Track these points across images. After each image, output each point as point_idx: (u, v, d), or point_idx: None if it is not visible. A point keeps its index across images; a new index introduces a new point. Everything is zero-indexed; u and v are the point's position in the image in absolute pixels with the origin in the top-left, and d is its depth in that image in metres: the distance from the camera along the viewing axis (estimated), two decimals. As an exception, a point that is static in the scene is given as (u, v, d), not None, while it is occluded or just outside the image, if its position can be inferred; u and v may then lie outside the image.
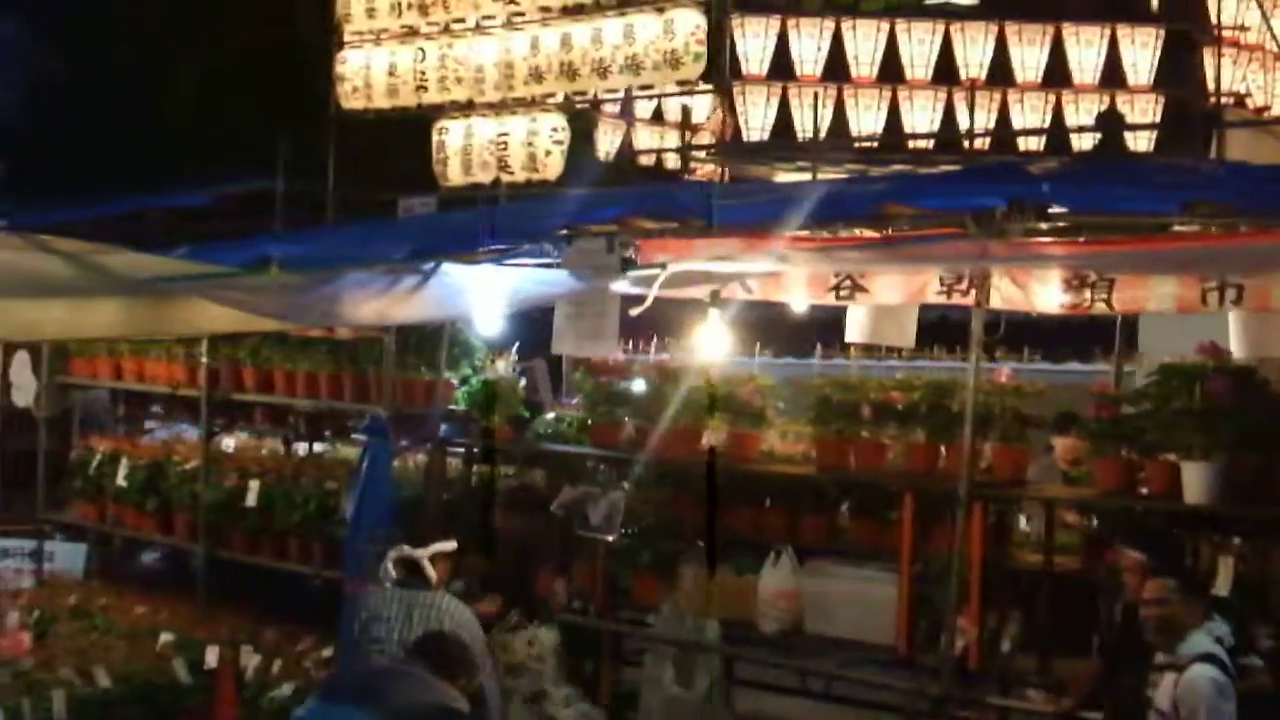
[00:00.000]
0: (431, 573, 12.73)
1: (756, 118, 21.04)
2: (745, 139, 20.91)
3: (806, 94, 21.04)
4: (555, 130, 21.40)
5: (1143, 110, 20.64)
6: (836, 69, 21.02)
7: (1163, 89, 20.61)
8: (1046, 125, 20.82)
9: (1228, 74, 19.09)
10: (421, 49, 22.08)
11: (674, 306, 14.82)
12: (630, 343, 16.52)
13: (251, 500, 16.39)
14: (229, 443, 18.55)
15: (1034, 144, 20.84)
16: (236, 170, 22.88)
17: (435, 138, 22.28)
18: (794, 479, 14.69)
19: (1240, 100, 20.06)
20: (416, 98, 22.27)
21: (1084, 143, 20.82)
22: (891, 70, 21.04)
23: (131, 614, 16.65)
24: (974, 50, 20.70)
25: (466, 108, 22.10)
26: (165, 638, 15.69)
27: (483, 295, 14.24)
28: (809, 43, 21.05)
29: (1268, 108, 20.51)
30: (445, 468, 15.76)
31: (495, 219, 14.88)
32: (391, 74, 22.29)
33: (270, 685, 14.63)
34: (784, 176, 20.62)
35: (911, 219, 12.21)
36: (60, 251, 14.07)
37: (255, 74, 31.14)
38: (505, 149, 21.56)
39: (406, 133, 23.82)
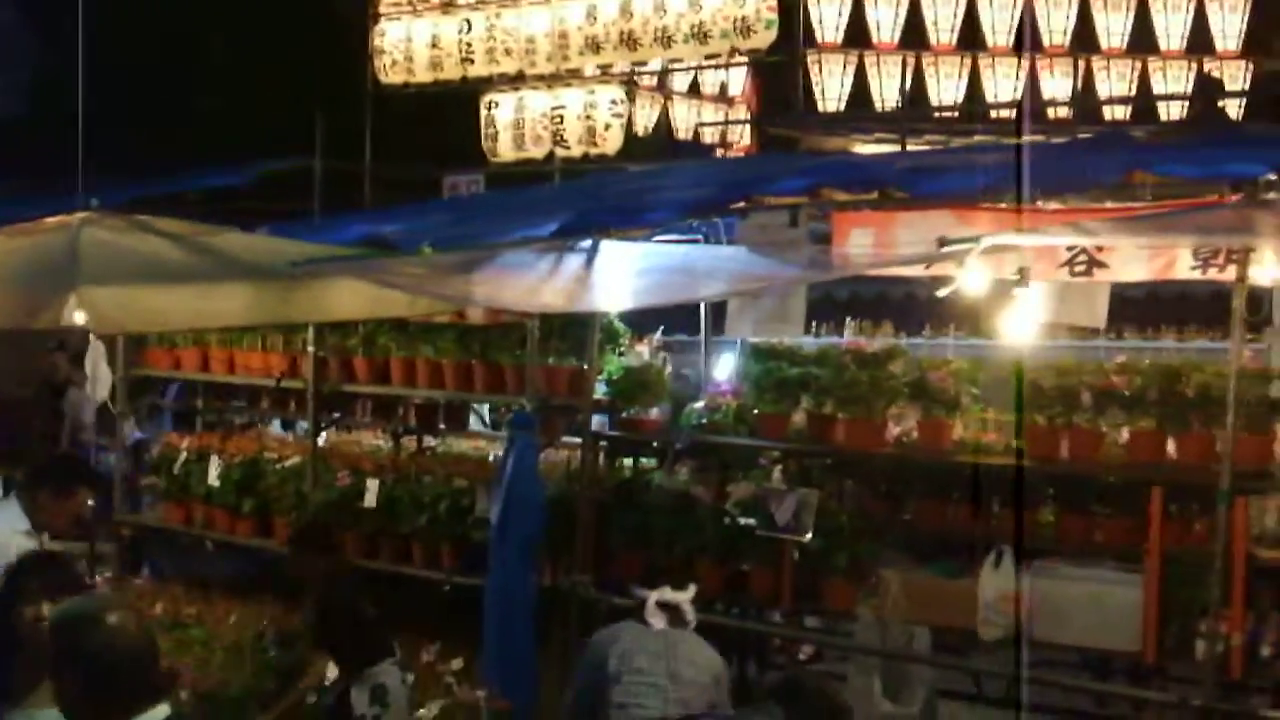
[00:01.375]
0: (691, 614, 10.77)
1: (833, 87, 18.63)
2: (821, 109, 18.46)
3: (884, 62, 18.52)
4: (615, 103, 19.30)
5: (1231, 77, 18.44)
6: (914, 36, 18.51)
7: (1252, 55, 18.37)
8: (1132, 93, 18.48)
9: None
10: (467, 20, 19.84)
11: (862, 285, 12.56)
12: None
13: (370, 500, 14.00)
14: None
15: (1120, 113, 18.49)
16: (271, 149, 20.39)
17: (484, 112, 20.01)
18: (996, 471, 12.29)
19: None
20: (462, 70, 20.02)
21: (1172, 110, 18.53)
22: (971, 37, 18.66)
23: (224, 622, 14.04)
24: (1057, 16, 18.29)
25: (516, 80, 19.68)
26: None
27: (679, 278, 11.89)
28: (885, 9, 18.56)
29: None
30: (598, 466, 13.23)
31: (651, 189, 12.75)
32: (435, 46, 20.02)
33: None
34: (862, 148, 18.31)
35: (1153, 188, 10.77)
36: (168, 233, 12.32)
37: (289, 49, 28.41)
38: (561, 122, 19.24)
39: (449, 107, 21.47)
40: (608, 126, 19.59)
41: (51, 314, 11.35)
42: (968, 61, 19.17)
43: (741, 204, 12.57)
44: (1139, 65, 19.13)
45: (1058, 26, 18.67)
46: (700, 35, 18.59)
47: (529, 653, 12.91)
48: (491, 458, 14.48)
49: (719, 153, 22.01)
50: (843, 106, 19.23)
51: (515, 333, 13.93)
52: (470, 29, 20.24)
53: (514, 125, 20.10)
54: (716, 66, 19.21)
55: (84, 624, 6.68)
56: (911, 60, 19.19)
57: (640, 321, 14.09)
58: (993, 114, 18.77)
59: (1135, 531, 11.68)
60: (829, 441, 12.98)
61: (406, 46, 20.70)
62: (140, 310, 12.04)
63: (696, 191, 12.79)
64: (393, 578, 14.28)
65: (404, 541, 14.33)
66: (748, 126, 22.01)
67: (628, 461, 14.27)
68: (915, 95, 18.75)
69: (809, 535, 12.46)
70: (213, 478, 15.34)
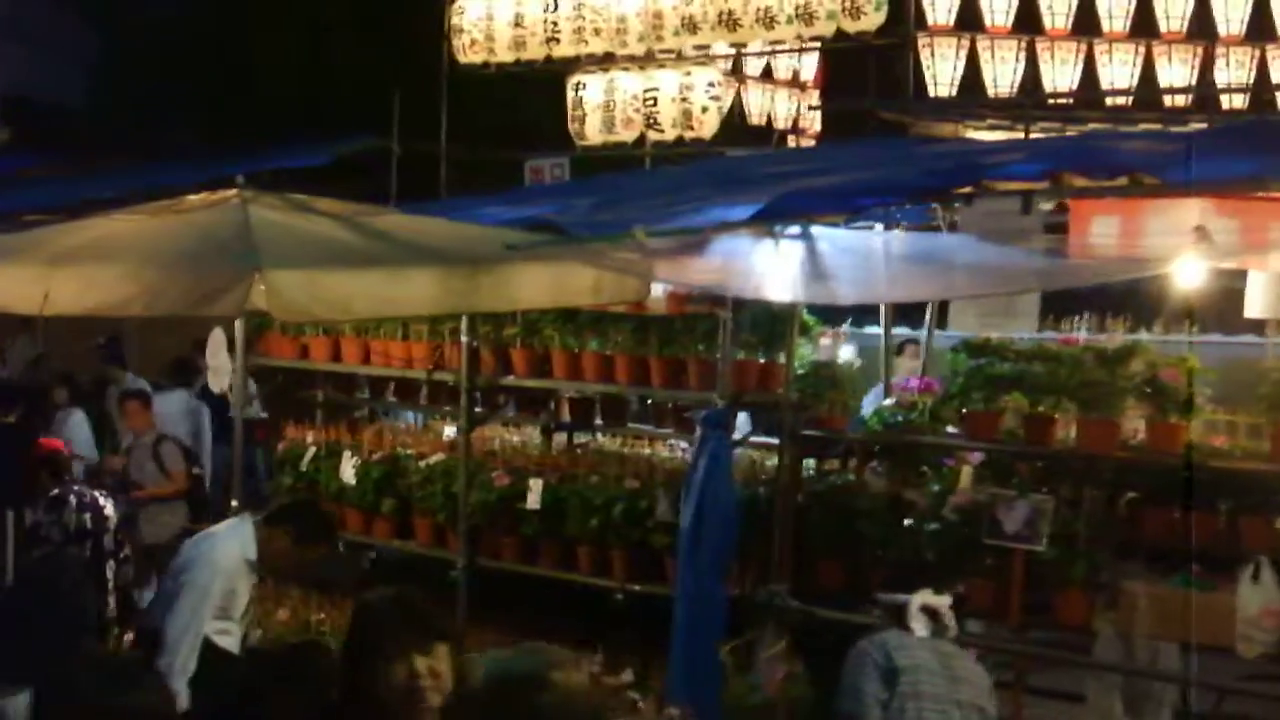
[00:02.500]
0: (952, 622, 9.44)
1: (945, 71, 17.09)
2: (933, 94, 16.92)
3: (999, 47, 17.00)
4: (712, 85, 17.67)
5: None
6: (1028, 20, 17.01)
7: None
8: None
9: None
10: (553, -3, 17.91)
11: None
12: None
13: (534, 502, 12.39)
14: (449, 431, 14.31)
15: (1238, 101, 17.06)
16: (348, 128, 18.78)
17: (571, 94, 18.44)
18: (1238, 476, 11.04)
19: None
20: (546, 50, 18.43)
21: None
22: (1087, 22, 17.17)
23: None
24: (1175, 3, 16.82)
25: (605, 60, 18.07)
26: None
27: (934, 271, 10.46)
28: (1001, -6, 17.05)
29: None
30: (799, 468, 11.69)
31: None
32: (518, 25, 18.42)
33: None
34: (974, 134, 16.78)
35: None
36: (332, 214, 11.40)
37: (364, 28, 26.49)
38: (654, 105, 17.70)
39: (532, 89, 19.88)
40: (704, 110, 18.12)
41: (233, 299, 10.23)
42: (1083, 48, 17.49)
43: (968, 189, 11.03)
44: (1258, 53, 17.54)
45: (1175, 13, 17.09)
46: (806, 16, 17.11)
47: (719, 667, 11.47)
48: (668, 454, 12.78)
49: (791, 140, 20.44)
50: (955, 92, 17.55)
51: (701, 324, 12.30)
52: (556, 7, 18.71)
53: (603, 107, 18.55)
54: (826, 48, 17.41)
55: (531, 686, 5.19)
56: (1025, 45, 17.49)
57: (826, 312, 12.34)
58: (1108, 101, 17.22)
59: None
60: (1046, 442, 11.60)
61: (487, 25, 19.14)
62: (327, 296, 10.52)
63: (912, 174, 11.28)
64: (553, 584, 12.57)
65: (569, 546, 12.76)
66: (818, 112, 20.45)
67: (809, 462, 12.40)
68: (1030, 82, 17.11)
69: (1041, 545, 10.98)
70: (348, 475, 13.55)
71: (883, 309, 14.11)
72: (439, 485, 13.35)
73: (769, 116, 20.42)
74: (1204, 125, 16.56)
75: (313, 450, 14.33)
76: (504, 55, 19.20)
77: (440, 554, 13.39)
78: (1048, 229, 11.00)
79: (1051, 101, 17.49)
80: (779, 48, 18.28)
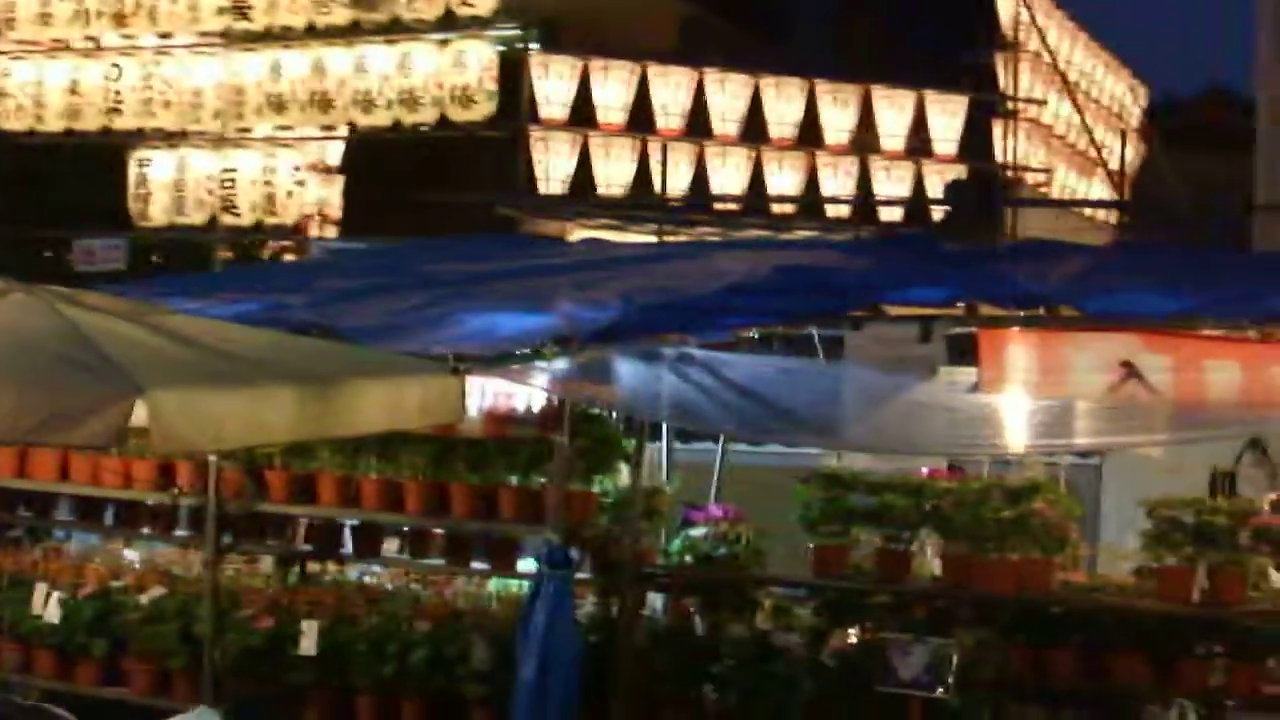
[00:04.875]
0: None
1: (558, 167, 15.38)
2: (545, 190, 15.29)
3: (611, 144, 15.52)
4: (298, 169, 15.37)
5: (950, 180, 16.41)
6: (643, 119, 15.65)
7: (967, 160, 16.39)
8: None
9: (1023, 148, 15.20)
10: (118, 65, 15.39)
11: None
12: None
13: (309, 647, 9.99)
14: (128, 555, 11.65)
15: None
16: None
17: (134, 170, 15.68)
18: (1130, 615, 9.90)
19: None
20: (106, 121, 15.48)
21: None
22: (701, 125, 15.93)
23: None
24: (789, 110, 15.81)
25: (174, 137, 15.59)
26: None
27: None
28: (616, 89, 15.54)
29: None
30: (639, 610, 9.93)
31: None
32: (74, 92, 15.53)
33: None
34: (583, 233, 15.27)
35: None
36: (116, 313, 9.05)
37: None
38: (232, 187, 15.25)
39: (82, 161, 16.93)
40: (289, 194, 15.79)
41: (104, 426, 7.73)
42: (695, 150, 16.14)
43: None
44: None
45: (788, 119, 15.97)
46: (410, 101, 15.05)
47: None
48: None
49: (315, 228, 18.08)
50: (567, 188, 15.87)
51: (523, 450, 10.28)
52: (121, 75, 15.95)
53: (173, 186, 15.90)
54: (434, 137, 15.39)
55: None
56: (638, 145, 16.01)
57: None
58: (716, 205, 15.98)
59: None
60: (900, 579, 10.29)
61: (38, 90, 16.12)
62: (203, 422, 8.14)
63: (794, 296, 9.77)
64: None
65: (347, 697, 10.50)
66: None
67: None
68: (641, 181, 15.67)
69: (943, 691, 9.60)
70: (51, 612, 10.74)
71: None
72: (172, 625, 10.62)
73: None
74: (813, 232, 15.57)
75: (-3, 580, 11.29)
76: (54, 124, 16.32)
77: (163, 704, 10.63)
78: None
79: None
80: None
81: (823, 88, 16.28)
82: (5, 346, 8.32)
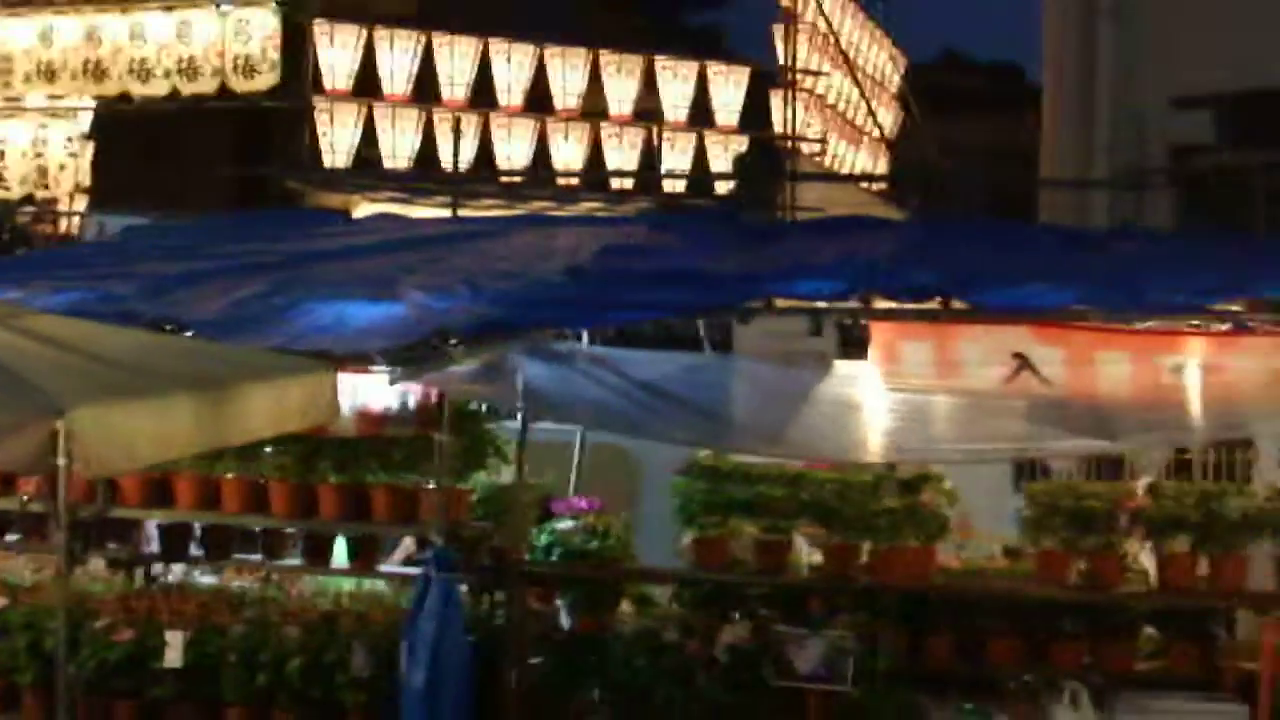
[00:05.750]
0: None
1: (343, 138, 14.96)
2: (329, 162, 14.86)
3: (397, 115, 15.16)
4: (71, 140, 14.69)
5: (735, 152, 16.38)
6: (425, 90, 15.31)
7: (748, 131, 16.37)
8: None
9: (800, 118, 15.34)
10: None
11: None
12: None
13: (174, 659, 9.58)
14: None
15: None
16: None
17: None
18: (1003, 600, 10.04)
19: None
20: None
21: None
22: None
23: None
24: (572, 79, 15.59)
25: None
26: None
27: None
28: (400, 58, 15.16)
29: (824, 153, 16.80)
30: (526, 610, 9.73)
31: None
32: None
33: None
34: (370, 207, 14.91)
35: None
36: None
37: None
38: (1, 159, 14.55)
39: None
40: (63, 167, 14.99)
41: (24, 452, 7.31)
42: (480, 121, 15.78)
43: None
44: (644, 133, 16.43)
45: (572, 90, 15.71)
46: (189, 71, 14.45)
47: None
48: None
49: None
50: (350, 161, 15.37)
51: (399, 448, 10.08)
52: (-125, 41, 14.94)
53: (-70, 157, 14.97)
54: (218, 107, 14.79)
55: None
56: (424, 116, 15.59)
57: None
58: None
59: (1203, 660, 9.77)
60: (778, 570, 10.22)
61: None
62: (119, 442, 7.65)
63: (680, 288, 9.65)
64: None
65: (214, 710, 10.02)
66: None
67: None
68: (425, 153, 15.28)
69: (846, 686, 9.56)
70: None
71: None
72: (21, 641, 10.01)
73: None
74: (597, 204, 15.40)
75: None
76: None
77: (13, 721, 10.04)
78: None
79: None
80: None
81: (607, 58, 15.98)
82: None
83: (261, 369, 8.94)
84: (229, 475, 10.27)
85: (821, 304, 9.47)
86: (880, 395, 9.67)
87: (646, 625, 10.04)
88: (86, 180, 15.66)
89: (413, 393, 9.97)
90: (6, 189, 15.00)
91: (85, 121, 15.48)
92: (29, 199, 15.10)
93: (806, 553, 10.47)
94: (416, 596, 9.65)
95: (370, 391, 9.98)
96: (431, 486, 10.07)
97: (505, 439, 10.39)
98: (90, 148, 16.71)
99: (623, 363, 9.51)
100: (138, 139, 16.52)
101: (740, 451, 10.08)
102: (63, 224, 16.58)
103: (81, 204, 16.32)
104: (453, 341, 8.87)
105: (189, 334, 9.51)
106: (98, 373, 8.03)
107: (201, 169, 17.49)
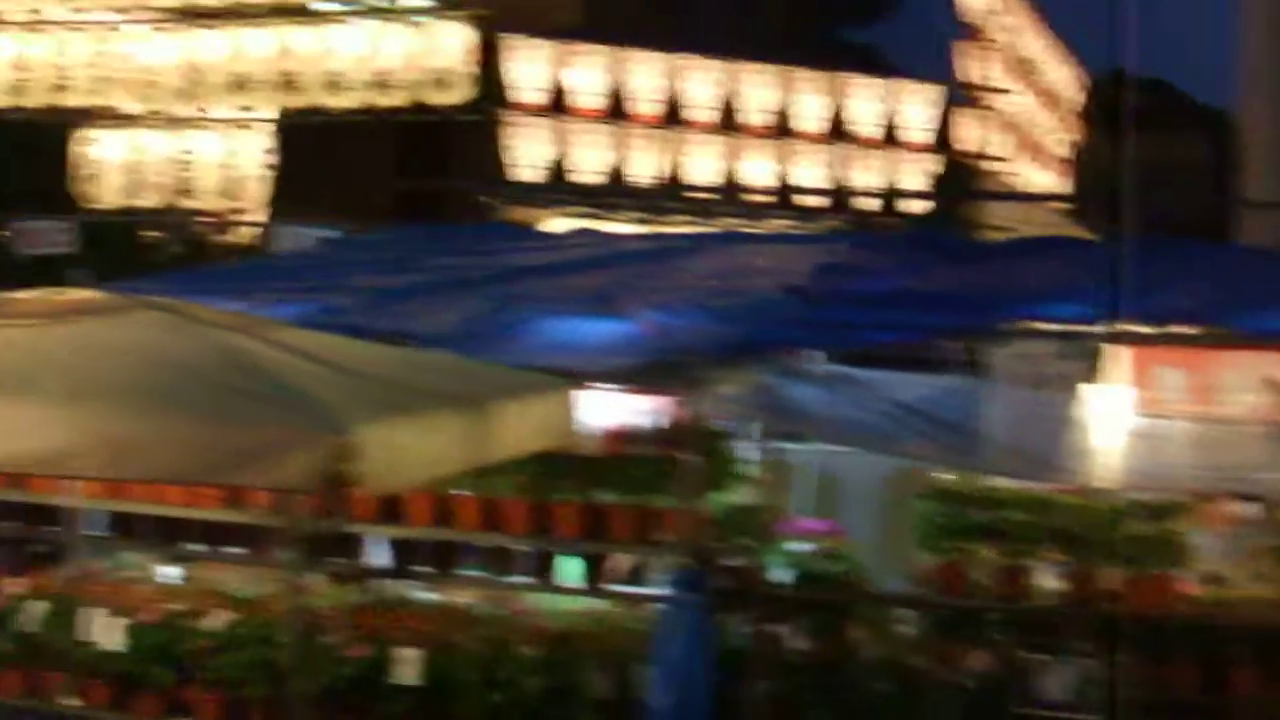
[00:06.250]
0: None
1: (533, 153, 14.84)
2: (522, 177, 14.76)
3: (588, 130, 15.06)
4: (265, 153, 14.64)
5: (927, 170, 16.16)
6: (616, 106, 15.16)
7: (938, 149, 16.15)
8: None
9: (989, 138, 15.11)
10: (66, 40, 14.47)
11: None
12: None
13: (411, 676, 9.43)
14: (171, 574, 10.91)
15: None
16: None
17: (82, 150, 14.75)
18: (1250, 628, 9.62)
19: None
20: (52, 99, 14.58)
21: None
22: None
23: None
24: (756, 96, 15.42)
25: (125, 117, 14.76)
26: None
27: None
28: (593, 73, 15.04)
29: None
30: (776, 639, 9.52)
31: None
32: (20, 67, 14.50)
33: None
34: (560, 223, 14.79)
35: None
36: (235, 328, 8.08)
37: None
38: (189, 169, 14.47)
39: (16, 140, 15.85)
40: (253, 179, 14.96)
41: (297, 467, 6.86)
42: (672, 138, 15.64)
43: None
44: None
45: (758, 105, 15.54)
46: (382, 84, 14.38)
47: None
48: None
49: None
50: (542, 175, 15.27)
51: (640, 468, 9.97)
52: (70, 51, 14.88)
53: (125, 168, 14.98)
54: (408, 120, 14.73)
55: None
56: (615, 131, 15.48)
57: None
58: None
59: None
60: (1021, 597, 9.89)
61: (-26, 65, 15.08)
62: (397, 458, 7.24)
63: (938, 311, 9.47)
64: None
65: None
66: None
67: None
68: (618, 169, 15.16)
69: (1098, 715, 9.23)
70: (112, 639, 9.97)
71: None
72: (248, 654, 9.92)
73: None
74: (787, 222, 15.23)
75: (34, 604, 10.41)
76: (-1, 100, 15.26)
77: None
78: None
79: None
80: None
81: (797, 75, 15.83)
82: (166, 375, 7.52)
83: (511, 386, 8.78)
84: (463, 492, 10.08)
85: (1073, 327, 9.26)
86: (1131, 419, 9.42)
87: (887, 650, 9.79)
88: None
89: (658, 411, 9.80)
90: (196, 199, 14.95)
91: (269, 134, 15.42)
92: (217, 210, 15.04)
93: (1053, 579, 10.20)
94: (665, 618, 9.48)
95: (614, 409, 9.81)
96: (669, 507, 9.85)
97: (738, 459, 10.21)
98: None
99: (879, 384, 9.30)
100: (309, 151, 16.45)
101: (999, 475, 9.85)
102: (236, 234, 16.56)
103: (261, 215, 16.30)
104: (699, 360, 8.71)
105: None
106: (365, 388, 7.85)
107: (368, 181, 17.42)
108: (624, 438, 10.01)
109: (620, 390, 9.53)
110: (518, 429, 8.49)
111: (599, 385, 9.44)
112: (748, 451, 10.19)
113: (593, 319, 9.86)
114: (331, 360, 8.16)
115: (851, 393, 9.18)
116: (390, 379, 8.18)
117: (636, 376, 9.27)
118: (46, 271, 12.44)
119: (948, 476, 10.23)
